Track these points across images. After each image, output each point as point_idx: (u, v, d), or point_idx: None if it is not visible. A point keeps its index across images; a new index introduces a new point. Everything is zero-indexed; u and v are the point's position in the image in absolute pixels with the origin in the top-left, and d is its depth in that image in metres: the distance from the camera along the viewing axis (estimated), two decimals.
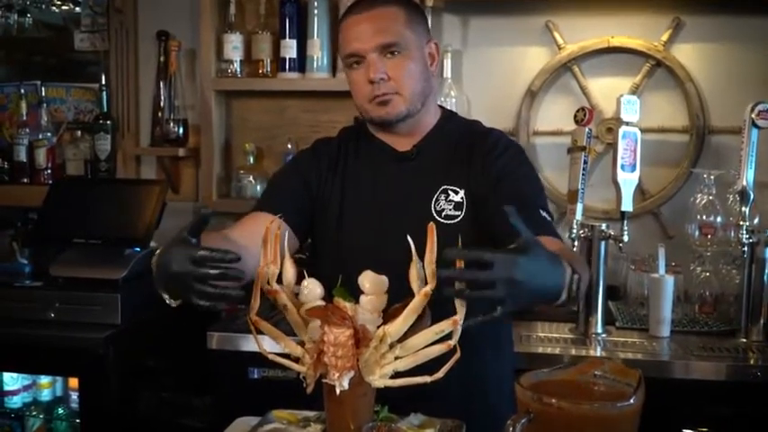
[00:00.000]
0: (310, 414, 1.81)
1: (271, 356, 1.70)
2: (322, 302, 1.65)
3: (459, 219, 2.05)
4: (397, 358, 1.62)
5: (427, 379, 1.60)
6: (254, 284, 1.66)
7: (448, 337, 1.57)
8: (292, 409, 1.86)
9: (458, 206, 2.06)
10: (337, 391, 1.58)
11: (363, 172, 2.17)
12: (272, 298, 1.66)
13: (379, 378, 1.62)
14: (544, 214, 2.00)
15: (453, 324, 1.56)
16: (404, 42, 2.04)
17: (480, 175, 2.07)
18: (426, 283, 1.55)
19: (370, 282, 1.64)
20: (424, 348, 1.60)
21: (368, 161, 2.18)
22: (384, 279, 1.64)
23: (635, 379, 1.32)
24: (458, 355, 1.56)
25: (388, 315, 1.64)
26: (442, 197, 2.07)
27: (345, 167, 2.19)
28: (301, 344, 1.67)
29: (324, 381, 1.61)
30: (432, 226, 1.57)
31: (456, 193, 2.07)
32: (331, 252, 2.12)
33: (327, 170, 2.19)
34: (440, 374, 1.59)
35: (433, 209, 2.06)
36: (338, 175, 2.18)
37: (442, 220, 2.03)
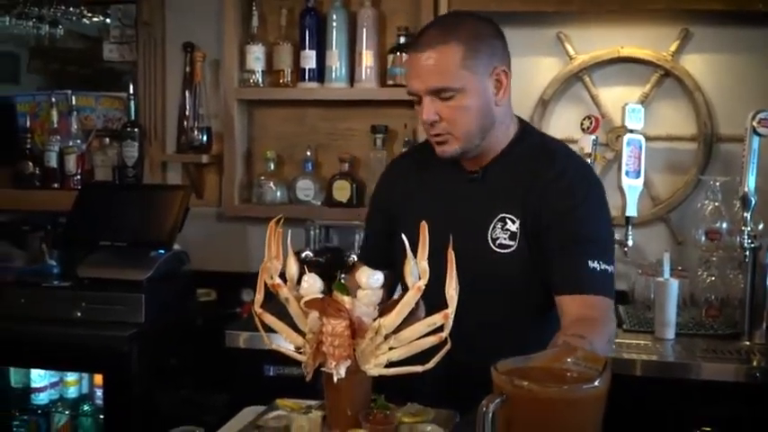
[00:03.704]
0: (312, 403, 1.90)
1: (274, 346, 1.80)
2: (320, 296, 1.75)
3: (512, 249, 2.05)
4: (391, 349, 1.71)
5: (419, 369, 1.69)
6: (259, 279, 1.76)
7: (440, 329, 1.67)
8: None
9: (512, 236, 2.05)
10: (335, 379, 1.68)
11: (435, 188, 2.20)
12: (275, 291, 1.76)
13: (374, 367, 1.71)
14: (593, 265, 1.96)
15: (444, 317, 1.65)
16: (458, 84, 2.00)
17: (537, 204, 2.04)
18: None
19: (366, 277, 1.73)
20: (416, 340, 1.70)
21: (441, 177, 2.19)
22: (380, 275, 1.74)
23: (601, 364, 1.41)
24: (448, 346, 1.65)
25: (384, 309, 1.74)
26: (499, 225, 2.06)
27: (421, 181, 2.23)
28: (302, 335, 1.77)
29: (323, 370, 1.70)
30: (424, 224, 1.67)
31: (513, 222, 2.05)
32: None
33: (403, 187, 2.25)
34: (430, 365, 1.68)
35: (489, 236, 2.07)
36: (414, 189, 2.22)
37: (497, 249, 2.05)
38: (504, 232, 2.06)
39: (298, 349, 1.78)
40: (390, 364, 1.72)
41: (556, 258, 2.00)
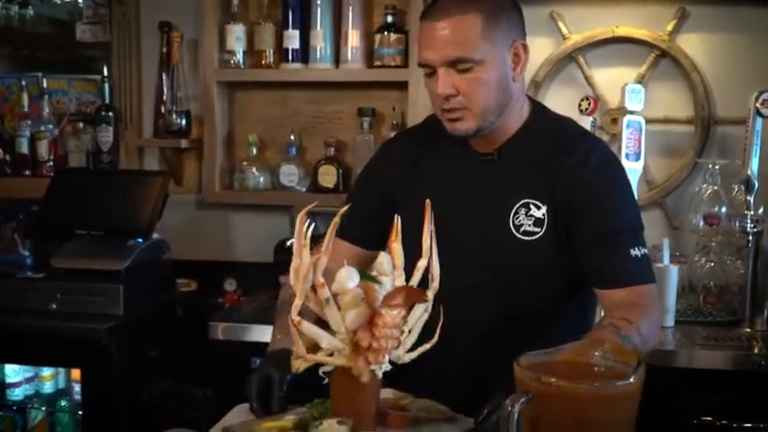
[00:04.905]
0: (290, 416, 1.77)
1: (310, 357, 1.64)
2: (359, 289, 1.63)
3: (538, 236, 1.95)
4: (409, 331, 1.67)
5: (427, 346, 1.67)
6: (297, 282, 1.61)
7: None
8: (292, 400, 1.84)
9: (538, 222, 1.95)
10: (379, 375, 1.61)
11: (442, 172, 2.07)
12: (314, 293, 1.61)
13: (404, 353, 1.66)
14: (635, 253, 1.89)
15: (433, 291, 1.66)
16: (478, 56, 1.88)
17: (565, 191, 1.94)
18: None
19: (387, 263, 1.67)
20: (419, 319, 1.68)
21: (449, 160, 2.07)
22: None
23: (634, 359, 1.32)
24: (442, 319, 1.65)
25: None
26: (522, 211, 1.96)
27: (426, 164, 2.10)
28: None
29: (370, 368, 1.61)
30: (428, 203, 1.63)
31: (538, 208, 1.95)
32: None
33: (405, 170, 2.11)
34: (435, 338, 1.66)
35: (511, 223, 1.96)
36: (418, 172, 2.10)
37: (520, 236, 1.95)
38: (529, 218, 1.95)
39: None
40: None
41: (595, 250, 1.90)
